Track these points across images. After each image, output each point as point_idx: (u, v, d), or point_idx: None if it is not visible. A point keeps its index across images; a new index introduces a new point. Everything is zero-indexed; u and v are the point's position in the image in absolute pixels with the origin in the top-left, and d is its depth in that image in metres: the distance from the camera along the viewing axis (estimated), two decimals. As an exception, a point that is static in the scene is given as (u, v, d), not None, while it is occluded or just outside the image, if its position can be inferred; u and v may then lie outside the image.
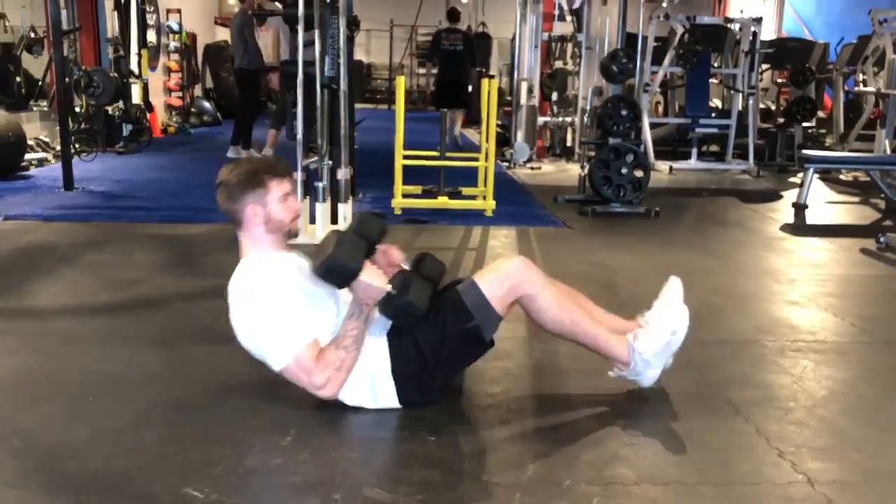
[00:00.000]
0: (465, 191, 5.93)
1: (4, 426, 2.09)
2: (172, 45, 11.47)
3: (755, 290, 3.73)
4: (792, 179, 7.83)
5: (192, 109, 11.78)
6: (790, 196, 6.63)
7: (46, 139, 7.71)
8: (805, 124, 8.91)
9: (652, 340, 2.28)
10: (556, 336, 2.33)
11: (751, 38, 8.27)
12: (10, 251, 4.08)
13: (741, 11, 11.99)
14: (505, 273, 2.22)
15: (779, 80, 11.10)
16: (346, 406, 2.20)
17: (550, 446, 2.04)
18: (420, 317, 2.13)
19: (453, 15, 9.29)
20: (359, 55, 17.78)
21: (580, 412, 2.27)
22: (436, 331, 2.17)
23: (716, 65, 9.17)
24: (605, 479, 1.87)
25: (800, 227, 5.39)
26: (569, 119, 8.91)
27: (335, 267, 2.06)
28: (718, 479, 1.89)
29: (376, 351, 2.18)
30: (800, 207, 5.89)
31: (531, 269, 2.27)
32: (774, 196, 6.86)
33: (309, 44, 4.28)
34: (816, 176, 6.99)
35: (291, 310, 2.11)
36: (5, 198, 5.36)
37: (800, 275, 3.97)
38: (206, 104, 12.12)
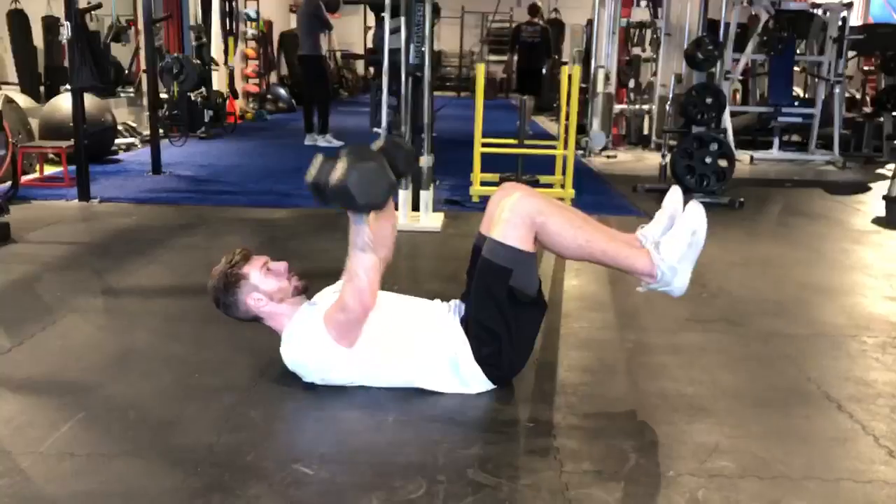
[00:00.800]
0: (543, 179, 5.91)
1: (121, 399, 2.20)
2: (250, 32, 11.70)
3: (849, 285, 3.63)
4: (880, 171, 7.55)
5: (269, 96, 12.02)
6: (879, 188, 6.38)
7: (133, 124, 7.98)
8: (895, 113, 8.57)
9: (674, 245, 2.19)
10: (576, 260, 2.26)
11: (839, 23, 7.98)
12: (107, 232, 4.26)
13: (826, -4, 11.58)
14: (511, 212, 2.17)
15: (865, 68, 10.70)
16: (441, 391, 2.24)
17: (650, 437, 2.03)
18: (357, 202, 2.05)
19: (534, 9, 10.02)
20: (429, 42, 17.82)
21: (676, 403, 2.25)
22: (490, 304, 2.19)
23: (799, 51, 8.89)
24: (708, 470, 1.86)
25: (892, 221, 5.20)
26: (646, 107, 8.77)
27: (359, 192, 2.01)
28: (826, 475, 1.86)
29: (455, 341, 2.22)
30: (891, 200, 5.66)
31: (534, 196, 2.23)
32: (862, 188, 6.63)
33: (395, 30, 4.32)
34: (908, 167, 6.72)
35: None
36: (99, 181, 5.57)
37: (895, 269, 3.84)
38: (282, 91, 12.34)
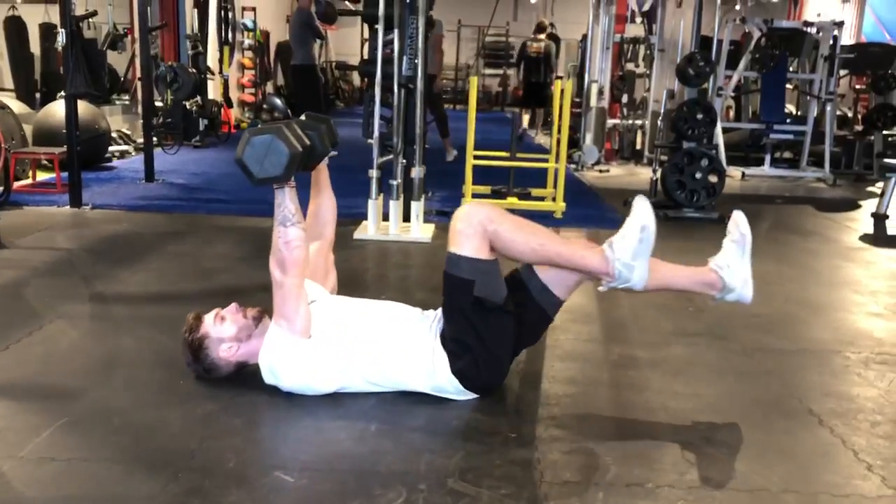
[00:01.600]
0: (535, 192, 5.93)
1: (104, 405, 2.20)
2: (247, 42, 11.74)
3: (835, 301, 3.65)
4: (870, 189, 7.60)
5: (264, 106, 12.03)
6: (868, 206, 6.42)
7: (128, 132, 7.99)
8: (885, 132, 8.63)
9: (625, 242, 2.22)
10: (534, 264, 2.31)
11: (831, 42, 8.05)
12: (98, 239, 4.26)
13: (818, 15, 11.68)
14: (463, 223, 2.21)
15: (857, 87, 10.78)
16: (427, 397, 2.25)
17: (631, 448, 2.04)
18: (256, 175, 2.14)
19: (540, 28, 10.75)
20: (426, 55, 17.88)
21: (659, 416, 2.26)
22: (459, 317, 2.22)
23: (791, 69, 8.95)
24: (687, 482, 1.87)
25: (880, 238, 5.23)
26: (639, 122, 8.82)
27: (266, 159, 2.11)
28: (804, 489, 1.87)
29: (432, 353, 2.24)
30: (880, 218, 5.70)
31: (483, 206, 2.26)
32: (852, 205, 6.68)
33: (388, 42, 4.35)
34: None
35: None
36: (91, 187, 5.57)
37: (882, 286, 3.87)
38: (278, 101, 12.35)
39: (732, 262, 2.29)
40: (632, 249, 2.21)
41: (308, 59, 8.24)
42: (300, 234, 2.22)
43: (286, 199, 2.22)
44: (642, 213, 2.23)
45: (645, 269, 2.23)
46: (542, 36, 10.62)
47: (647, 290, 2.29)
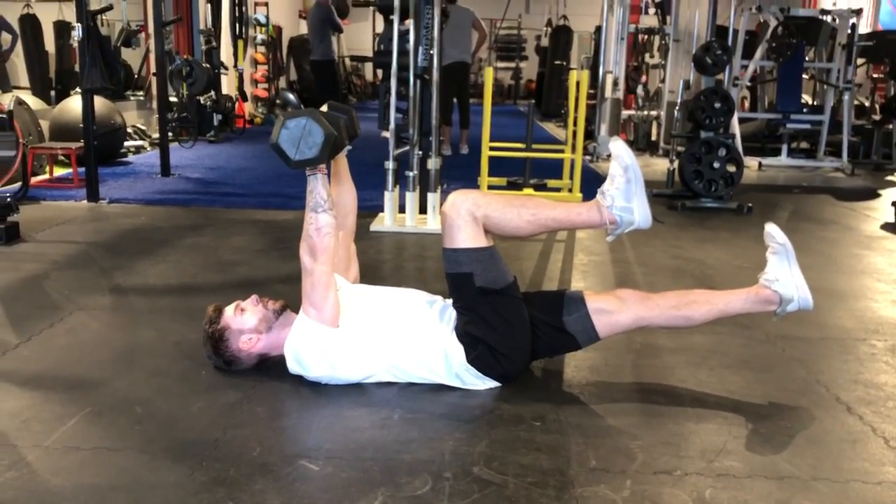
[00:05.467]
0: (551, 183, 5.91)
1: (127, 395, 2.20)
2: (259, 37, 11.74)
3: (858, 289, 3.61)
4: (889, 178, 7.52)
5: (277, 101, 12.04)
6: (888, 195, 6.36)
7: (143, 127, 8.01)
8: (904, 121, 8.54)
9: (615, 188, 2.22)
10: (533, 235, 2.33)
11: (848, 30, 7.97)
12: (116, 232, 4.27)
13: (834, 3, 11.57)
14: (450, 216, 2.21)
15: (874, 75, 10.66)
16: (448, 387, 2.24)
17: (657, 436, 2.02)
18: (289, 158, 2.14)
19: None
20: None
21: (684, 404, 2.24)
22: (467, 312, 2.22)
23: (808, 58, 8.87)
24: (715, 470, 1.85)
25: (901, 227, 5.18)
26: (654, 113, 8.76)
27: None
28: (835, 477, 1.84)
29: (451, 347, 2.23)
30: (900, 206, 5.64)
31: (466, 192, 2.26)
32: (871, 194, 6.60)
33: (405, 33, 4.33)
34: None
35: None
36: (108, 182, 5.59)
37: (905, 275, 3.82)
38: (291, 96, 12.37)
39: (781, 274, 2.26)
40: (623, 191, 2.22)
41: (328, 54, 8.25)
42: (331, 221, 2.21)
43: (318, 185, 2.21)
44: (622, 154, 2.24)
45: (645, 207, 2.24)
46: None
47: (704, 323, 2.30)
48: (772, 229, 2.30)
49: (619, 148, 2.26)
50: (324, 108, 2.40)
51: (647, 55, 9.55)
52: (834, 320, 3.08)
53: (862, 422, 2.14)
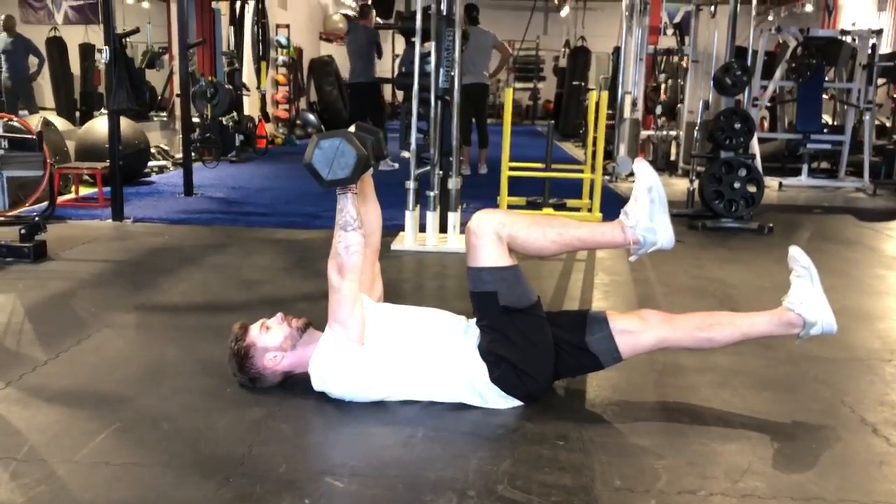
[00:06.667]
0: (570, 202, 5.92)
1: (154, 411, 2.23)
2: (280, 59, 11.88)
3: (881, 310, 3.58)
4: (911, 198, 7.48)
5: (298, 122, 12.17)
6: (911, 215, 6.34)
7: (166, 147, 8.12)
8: (926, 141, 8.49)
9: (639, 208, 2.23)
10: (557, 254, 2.37)
11: (869, 50, 7.95)
12: (140, 251, 4.33)
13: (853, 24, 11.53)
14: (475, 236, 2.22)
15: (895, 95, 10.60)
16: (471, 406, 2.25)
17: (681, 456, 2.02)
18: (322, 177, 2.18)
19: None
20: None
21: (707, 424, 2.23)
22: (490, 332, 2.23)
23: (828, 78, 8.85)
24: (740, 490, 1.84)
25: (925, 248, 5.14)
26: (673, 133, 8.77)
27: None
28: (862, 498, 1.83)
29: (473, 366, 2.24)
30: (924, 227, 5.61)
31: (491, 212, 2.27)
32: (893, 215, 6.56)
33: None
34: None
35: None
36: (132, 201, 5.67)
37: (929, 296, 3.79)
38: (311, 116, 12.49)
39: (805, 297, 2.25)
40: (647, 212, 2.23)
41: (372, 77, 8.34)
42: (360, 240, 2.24)
43: (348, 204, 2.24)
44: (645, 175, 2.26)
45: (668, 227, 2.25)
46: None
47: (727, 345, 2.30)
48: (796, 252, 2.30)
49: (643, 168, 2.28)
50: (351, 129, 2.44)
51: (663, 75, 9.56)
52: (858, 341, 3.06)
53: (888, 443, 2.12)
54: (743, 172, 5.35)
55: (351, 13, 14.39)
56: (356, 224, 2.24)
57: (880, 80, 8.79)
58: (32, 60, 8.35)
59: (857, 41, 8.17)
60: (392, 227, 4.64)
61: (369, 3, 9.20)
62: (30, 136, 4.61)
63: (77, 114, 8.64)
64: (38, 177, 4.71)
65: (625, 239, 2.25)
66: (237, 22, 9.27)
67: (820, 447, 2.10)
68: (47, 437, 2.03)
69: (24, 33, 8.37)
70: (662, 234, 2.25)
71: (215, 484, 1.82)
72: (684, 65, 8.88)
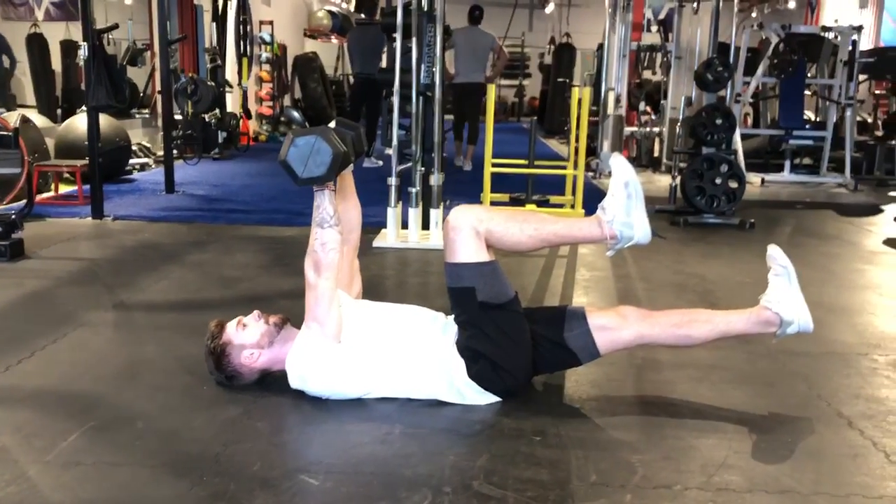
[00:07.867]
0: (553, 199, 5.92)
1: (129, 410, 2.20)
2: (264, 55, 11.82)
3: (860, 304, 3.60)
4: (892, 193, 7.54)
5: (282, 119, 12.10)
6: (891, 210, 6.39)
7: (148, 145, 8.07)
8: (906, 137, 8.56)
9: (616, 203, 2.23)
10: (534, 250, 2.37)
11: (850, 47, 8.00)
12: (120, 249, 4.30)
13: (835, 21, 11.61)
14: (453, 231, 2.21)
15: (877, 92, 10.70)
16: (448, 402, 2.24)
17: (657, 450, 2.02)
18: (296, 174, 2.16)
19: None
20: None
21: (685, 418, 2.24)
22: (469, 327, 2.23)
23: (810, 75, 8.91)
24: (715, 485, 1.85)
25: (904, 242, 5.18)
26: (656, 129, 8.80)
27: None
28: (835, 491, 1.84)
29: (449, 359, 2.23)
30: (903, 222, 5.65)
31: (468, 208, 2.26)
32: (874, 210, 6.61)
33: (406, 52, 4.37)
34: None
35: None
36: (112, 199, 5.62)
37: (907, 290, 3.82)
38: (295, 114, 12.40)
39: (782, 296, 2.26)
40: (624, 207, 2.23)
41: (375, 72, 8.29)
42: (337, 238, 2.23)
43: (325, 201, 2.23)
44: (622, 170, 2.26)
45: (644, 222, 2.25)
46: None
47: (705, 342, 2.30)
48: (774, 251, 2.30)
49: (619, 164, 2.28)
50: (332, 124, 2.43)
51: (648, 72, 9.60)
52: (836, 335, 3.07)
53: (863, 436, 2.13)
54: (724, 168, 5.37)
55: (336, 10, 14.35)
56: (333, 221, 2.23)
57: (861, 77, 8.86)
58: (5, 59, 8.26)
59: (838, 38, 8.22)
60: (374, 224, 4.63)
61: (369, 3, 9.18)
62: (5, 133, 4.56)
63: (59, 111, 8.57)
64: (16, 174, 4.66)
65: (602, 234, 2.25)
66: (220, 18, 9.22)
67: (796, 441, 2.11)
68: (19, 437, 2.01)
69: (4, 30, 8.29)
70: (639, 228, 2.25)
71: (189, 483, 1.80)
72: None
